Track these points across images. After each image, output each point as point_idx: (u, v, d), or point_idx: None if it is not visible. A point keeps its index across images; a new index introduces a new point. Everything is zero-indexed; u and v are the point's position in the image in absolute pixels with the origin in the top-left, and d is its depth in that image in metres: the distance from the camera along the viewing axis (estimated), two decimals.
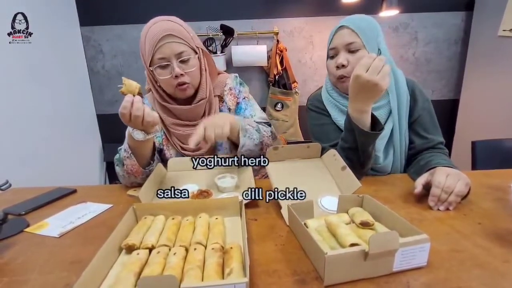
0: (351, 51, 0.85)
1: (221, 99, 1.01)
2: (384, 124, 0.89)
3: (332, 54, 0.90)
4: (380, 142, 0.91)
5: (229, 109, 1.02)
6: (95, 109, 2.32)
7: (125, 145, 0.82)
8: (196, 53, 0.89)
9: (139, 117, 0.71)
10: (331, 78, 0.93)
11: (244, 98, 1.04)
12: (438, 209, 0.68)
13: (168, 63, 0.85)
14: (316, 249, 0.47)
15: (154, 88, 0.94)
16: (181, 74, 0.85)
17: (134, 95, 0.71)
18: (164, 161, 0.97)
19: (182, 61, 0.86)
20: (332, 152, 0.83)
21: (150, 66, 0.86)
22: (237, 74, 1.07)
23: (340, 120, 0.95)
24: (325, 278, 0.45)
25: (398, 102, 0.90)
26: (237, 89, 1.03)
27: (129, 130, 0.77)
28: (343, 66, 0.86)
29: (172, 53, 0.84)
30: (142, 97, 0.73)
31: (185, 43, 0.86)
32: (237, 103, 1.03)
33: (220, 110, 1.01)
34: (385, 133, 0.91)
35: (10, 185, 0.70)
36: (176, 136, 0.97)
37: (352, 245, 0.48)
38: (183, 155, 0.98)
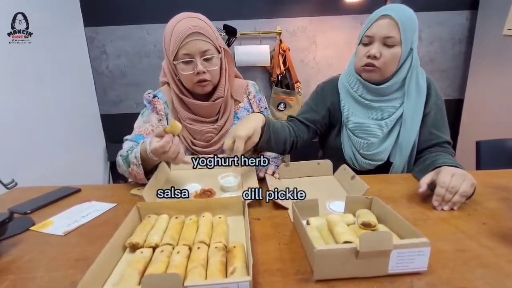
0: (387, 45, 0.85)
1: (238, 102, 1.05)
2: (392, 115, 0.92)
3: (366, 41, 0.88)
4: (379, 131, 0.93)
5: None
6: (99, 109, 2.34)
7: (136, 153, 0.81)
8: (219, 52, 0.92)
9: (171, 158, 0.75)
10: (357, 64, 0.93)
11: (265, 108, 1.09)
12: (442, 209, 0.68)
13: (192, 59, 0.87)
14: (309, 244, 0.47)
15: (173, 81, 0.95)
16: (203, 72, 0.87)
17: (174, 136, 0.74)
18: None
19: (206, 59, 0.88)
20: (343, 166, 0.86)
21: (174, 60, 0.88)
22: (254, 82, 1.10)
23: (348, 105, 0.97)
24: (315, 272, 0.46)
25: (416, 100, 0.91)
26: (258, 97, 1.08)
27: (146, 145, 0.77)
28: (374, 57, 0.86)
29: (197, 51, 0.86)
30: (178, 136, 0.76)
31: (210, 42, 0.88)
32: (260, 112, 1.07)
33: (236, 113, 1.04)
34: (387, 123, 0.92)
35: (16, 183, 0.71)
36: (188, 131, 0.98)
37: (346, 243, 0.48)
38: (193, 150, 0.99)
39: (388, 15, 0.83)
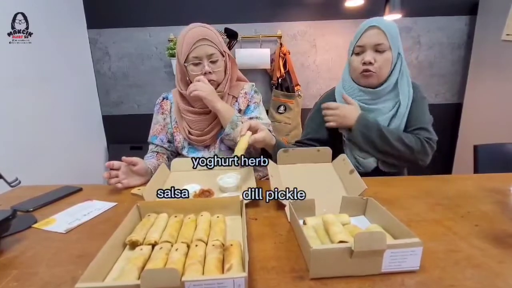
0: (378, 51, 0.93)
1: (234, 99, 1.13)
2: (386, 115, 0.99)
3: (358, 51, 0.97)
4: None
5: (240, 110, 1.12)
6: (100, 110, 2.36)
7: None
8: (223, 56, 1.04)
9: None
10: (354, 73, 1.00)
11: (254, 103, 1.16)
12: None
13: (200, 62, 0.99)
14: (305, 243, 0.49)
15: (179, 80, 1.08)
16: (209, 72, 1.00)
17: None
18: (176, 147, 1.14)
19: (212, 61, 1.01)
20: (342, 156, 0.87)
21: (185, 62, 1.01)
22: (253, 84, 1.19)
23: None
24: (311, 271, 0.47)
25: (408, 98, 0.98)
26: (250, 95, 1.16)
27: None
28: (370, 63, 0.93)
29: (205, 54, 0.99)
30: None
31: (215, 47, 1.00)
32: (247, 105, 1.14)
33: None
34: (382, 122, 0.98)
35: (20, 182, 0.72)
36: (187, 122, 1.09)
37: (341, 242, 0.49)
38: (189, 140, 1.09)
39: (375, 26, 0.93)
